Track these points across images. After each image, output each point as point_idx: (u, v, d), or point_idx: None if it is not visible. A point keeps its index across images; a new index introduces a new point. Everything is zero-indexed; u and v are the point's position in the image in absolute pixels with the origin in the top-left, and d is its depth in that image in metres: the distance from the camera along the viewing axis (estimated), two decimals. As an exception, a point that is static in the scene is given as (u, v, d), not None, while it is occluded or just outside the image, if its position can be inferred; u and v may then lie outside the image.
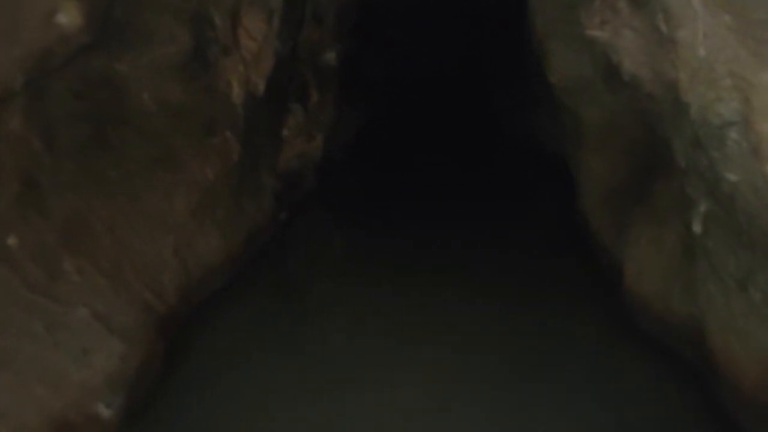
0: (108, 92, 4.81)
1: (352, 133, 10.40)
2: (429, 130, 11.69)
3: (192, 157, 5.41)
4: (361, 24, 10.19)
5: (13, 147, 3.82)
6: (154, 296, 4.67)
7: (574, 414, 4.09)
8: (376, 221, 7.60)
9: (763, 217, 3.25)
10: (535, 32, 6.05)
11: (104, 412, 3.82)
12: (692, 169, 3.75)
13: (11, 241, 3.73)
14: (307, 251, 7.15)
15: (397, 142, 11.05)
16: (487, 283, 5.86)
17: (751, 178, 3.21)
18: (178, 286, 4.96)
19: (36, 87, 4.02)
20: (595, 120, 5.76)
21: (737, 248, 3.53)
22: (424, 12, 13.89)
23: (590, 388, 4.35)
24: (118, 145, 4.79)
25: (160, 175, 5.08)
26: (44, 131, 4.18)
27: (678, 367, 4.43)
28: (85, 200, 4.39)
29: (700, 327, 4.16)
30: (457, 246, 6.81)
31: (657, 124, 4.70)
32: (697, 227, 3.84)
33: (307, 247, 7.27)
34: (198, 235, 5.35)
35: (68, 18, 3.72)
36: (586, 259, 6.12)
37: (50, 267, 3.95)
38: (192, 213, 5.30)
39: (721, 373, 3.97)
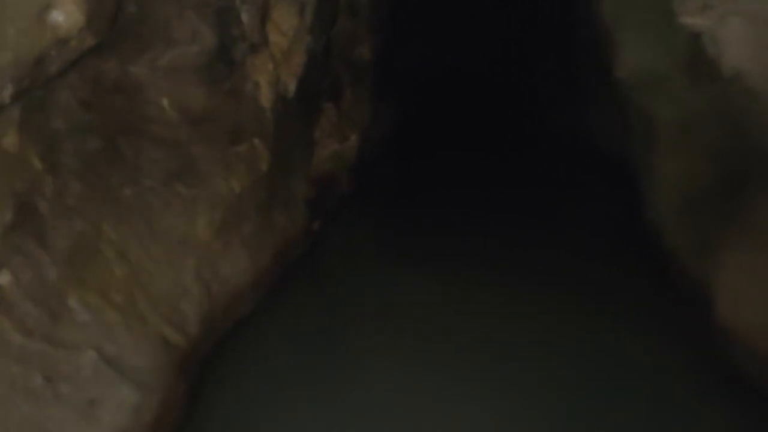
0: (120, 99, 4.40)
1: (387, 131, 9.83)
2: (470, 127, 11.06)
3: (216, 169, 4.94)
4: (397, 13, 9.62)
5: (6, 170, 3.30)
6: (173, 330, 4.17)
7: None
8: (415, 226, 7.11)
9: None
10: (601, 21, 5.39)
11: (114, 475, 3.31)
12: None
13: (3, 279, 3.21)
14: (343, 265, 6.61)
15: (435, 140, 10.48)
16: (542, 294, 5.40)
17: None
18: (200, 315, 4.46)
19: (34, 96, 3.50)
20: (671, 119, 5.18)
21: None
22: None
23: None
24: (131, 159, 4.34)
25: (179, 191, 4.61)
26: (45, 148, 3.69)
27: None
28: (93, 224, 3.90)
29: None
30: (507, 255, 6.27)
31: (753, 128, 4.04)
32: (817, 257, 3.19)
33: (342, 260, 6.74)
34: (223, 256, 4.87)
35: (65, 16, 3.17)
36: (657, 275, 5.56)
37: (51, 305, 3.45)
38: (216, 231, 4.83)
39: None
